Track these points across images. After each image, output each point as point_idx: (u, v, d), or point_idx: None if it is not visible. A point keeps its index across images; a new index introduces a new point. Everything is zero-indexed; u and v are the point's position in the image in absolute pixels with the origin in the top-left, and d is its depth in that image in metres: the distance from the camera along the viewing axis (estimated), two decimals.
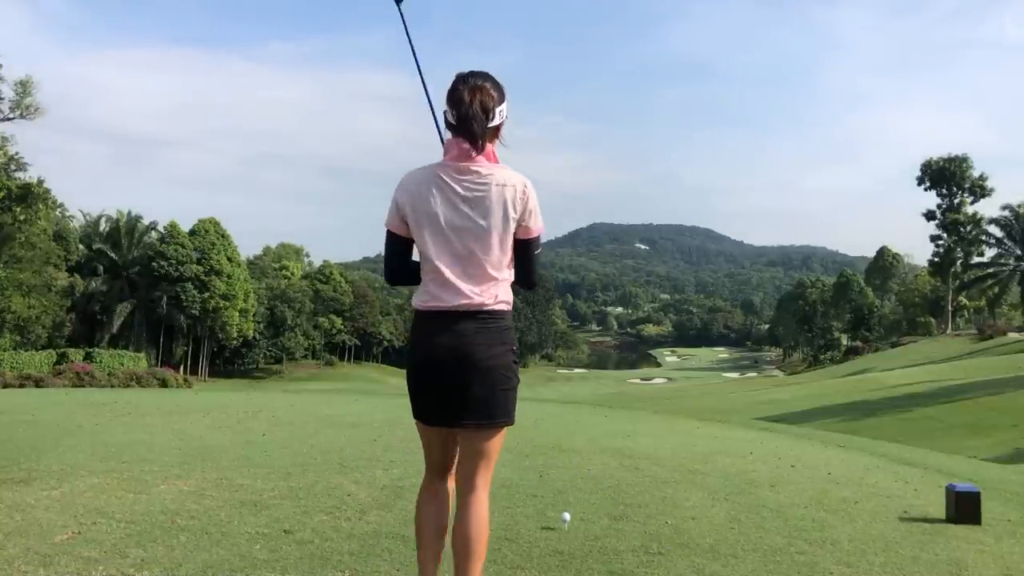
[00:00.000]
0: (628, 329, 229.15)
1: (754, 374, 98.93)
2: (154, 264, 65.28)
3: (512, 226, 2.61)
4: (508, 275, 2.68)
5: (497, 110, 2.64)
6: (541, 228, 2.70)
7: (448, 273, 2.59)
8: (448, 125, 2.66)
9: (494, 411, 2.63)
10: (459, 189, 2.58)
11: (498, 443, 2.71)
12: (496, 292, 2.63)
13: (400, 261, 2.74)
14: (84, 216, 68.86)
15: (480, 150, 2.59)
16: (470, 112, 2.57)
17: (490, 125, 2.61)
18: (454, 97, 2.61)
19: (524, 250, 2.68)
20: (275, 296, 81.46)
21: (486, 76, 2.66)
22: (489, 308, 2.62)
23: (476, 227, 2.58)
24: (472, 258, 2.60)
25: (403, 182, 2.68)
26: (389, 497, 5.03)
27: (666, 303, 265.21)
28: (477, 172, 2.59)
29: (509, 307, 2.69)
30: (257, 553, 3.74)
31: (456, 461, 2.76)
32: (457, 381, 2.58)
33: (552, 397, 35.17)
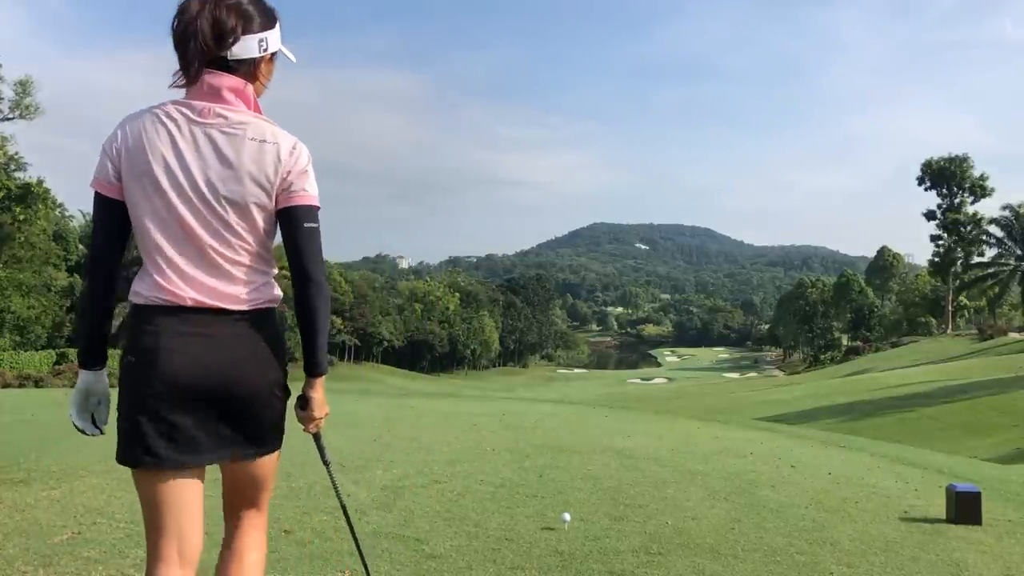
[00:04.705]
0: (628, 329, 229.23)
1: (754, 374, 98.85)
2: None
3: (272, 196, 2.00)
4: (266, 263, 2.09)
5: (249, 38, 1.99)
6: (314, 197, 2.05)
7: (178, 258, 1.97)
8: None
9: (264, 433, 2.08)
10: (198, 138, 1.95)
11: (274, 468, 2.18)
12: (255, 285, 2.04)
13: (112, 239, 2.05)
14: (84, 216, 68.86)
15: (191, 79, 1.95)
16: (190, 28, 1.92)
17: (232, 56, 1.98)
18: (179, 7, 1.97)
19: (291, 221, 2.02)
20: None
21: None
22: (247, 308, 2.02)
23: (217, 193, 1.95)
24: (215, 236, 1.97)
25: (124, 120, 2.01)
26: (389, 497, 5.03)
27: (666, 303, 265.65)
28: (223, 118, 1.96)
29: (276, 305, 2.11)
30: None
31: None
32: (211, 410, 1.98)
33: (552, 397, 35.21)
